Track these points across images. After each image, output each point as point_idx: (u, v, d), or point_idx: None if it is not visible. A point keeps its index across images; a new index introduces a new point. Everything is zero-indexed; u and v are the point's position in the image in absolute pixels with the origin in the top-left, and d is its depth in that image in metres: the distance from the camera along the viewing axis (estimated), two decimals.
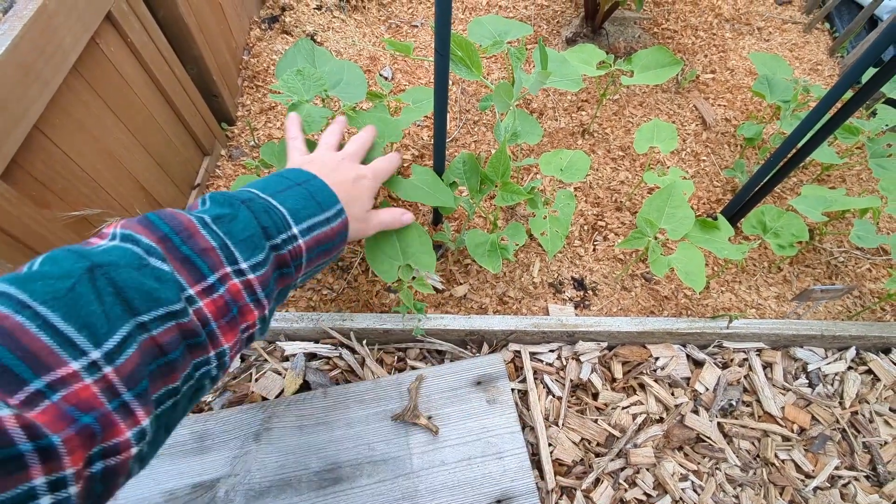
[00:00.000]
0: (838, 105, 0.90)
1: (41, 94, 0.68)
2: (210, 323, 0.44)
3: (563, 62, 1.15)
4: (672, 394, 0.94)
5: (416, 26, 1.60)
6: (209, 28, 1.17)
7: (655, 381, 0.94)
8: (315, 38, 1.42)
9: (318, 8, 1.49)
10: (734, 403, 0.94)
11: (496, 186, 0.93)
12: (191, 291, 0.43)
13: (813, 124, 0.95)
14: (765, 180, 1.10)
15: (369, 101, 1.04)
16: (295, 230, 0.55)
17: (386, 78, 1.42)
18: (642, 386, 0.94)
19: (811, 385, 0.97)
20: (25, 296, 0.33)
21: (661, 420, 0.91)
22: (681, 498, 0.83)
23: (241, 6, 1.37)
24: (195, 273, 0.44)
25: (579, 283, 1.10)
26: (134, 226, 0.44)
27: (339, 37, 1.45)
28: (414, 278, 0.86)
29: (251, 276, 0.48)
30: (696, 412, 0.92)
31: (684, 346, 0.99)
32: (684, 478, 0.85)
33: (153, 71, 0.95)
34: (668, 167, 1.12)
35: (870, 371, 1.00)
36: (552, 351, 0.96)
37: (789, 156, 1.04)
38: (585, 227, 1.22)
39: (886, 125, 1.13)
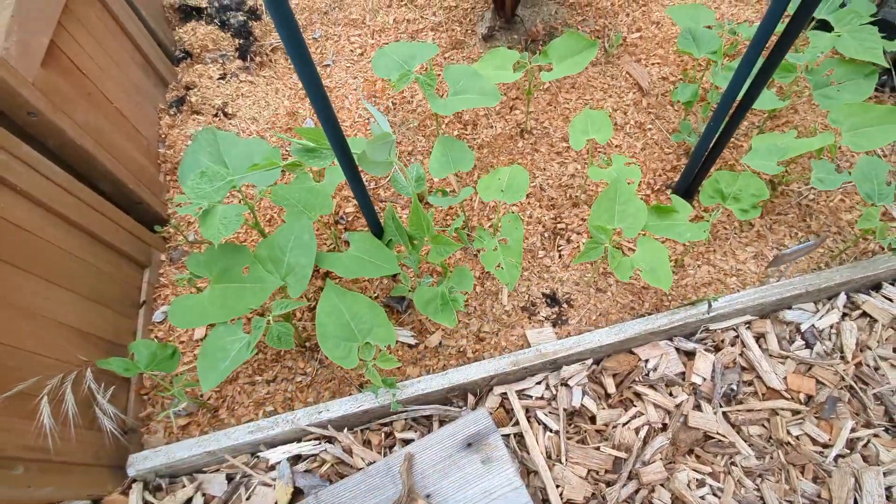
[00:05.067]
0: (774, 39, 0.85)
1: None
2: None
3: (475, 77, 1.09)
4: (670, 394, 0.90)
5: (329, 65, 1.53)
6: (111, 138, 1.11)
7: (650, 386, 0.90)
8: (225, 110, 1.36)
9: (222, 77, 1.42)
10: (735, 387, 0.90)
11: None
12: None
13: (747, 73, 0.89)
14: (712, 142, 1.05)
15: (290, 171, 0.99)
16: None
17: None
18: (638, 395, 0.90)
19: (808, 346, 0.93)
20: None
21: (664, 427, 0.87)
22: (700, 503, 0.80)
23: (142, 100, 1.30)
24: None
25: (552, 299, 1.06)
26: None
27: (251, 101, 1.39)
28: (376, 357, 0.82)
29: None
30: (698, 408, 0.89)
31: (671, 339, 0.95)
32: (701, 483, 0.82)
33: (54, 207, 0.90)
34: (610, 155, 1.07)
35: (864, 314, 0.96)
36: (539, 383, 0.92)
37: (731, 112, 0.99)
38: (546, 235, 1.17)
39: (822, 52, 1.07)
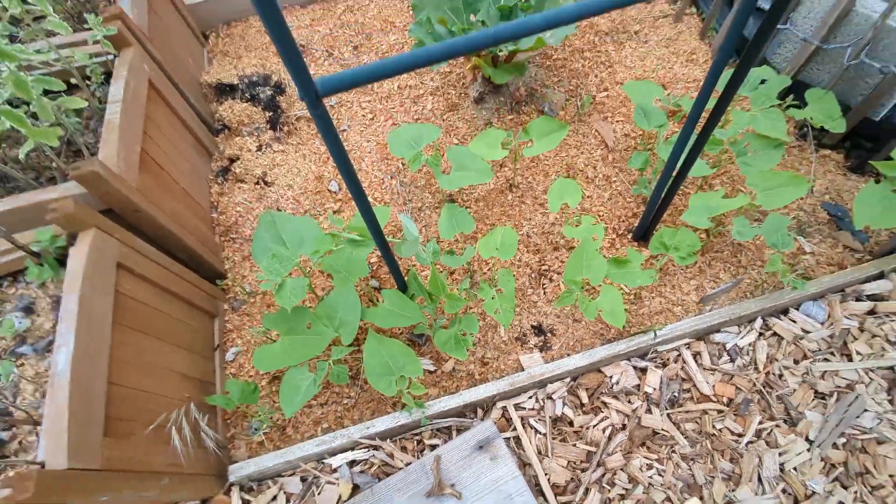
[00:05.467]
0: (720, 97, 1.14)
1: (102, 371, 0.92)
2: None
3: (472, 157, 1.38)
4: (628, 401, 1.21)
5: (345, 130, 1.81)
6: (183, 215, 1.40)
7: (613, 396, 1.21)
8: (265, 179, 1.64)
9: (259, 149, 1.70)
10: (677, 394, 1.21)
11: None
12: None
13: (681, 148, 1.18)
14: (660, 200, 1.34)
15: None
16: None
17: (333, 192, 1.65)
18: (605, 404, 1.20)
19: (732, 360, 1.24)
20: None
21: (623, 427, 1.18)
22: (650, 483, 1.10)
23: (196, 175, 1.58)
24: None
25: (539, 329, 1.35)
26: None
27: (285, 170, 1.67)
28: (409, 386, 1.12)
29: None
30: (649, 411, 1.19)
31: (629, 360, 1.25)
32: (650, 467, 1.12)
33: (159, 282, 1.18)
34: (581, 216, 1.36)
35: (775, 333, 1.26)
36: (530, 398, 1.22)
37: (673, 176, 1.28)
38: (533, 275, 1.46)
39: (742, 129, 1.36)
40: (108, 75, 1.37)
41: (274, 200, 1.61)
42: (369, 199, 1.60)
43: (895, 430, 1.10)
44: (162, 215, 1.26)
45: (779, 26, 1.57)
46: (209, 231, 1.54)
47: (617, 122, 1.73)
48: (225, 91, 1.81)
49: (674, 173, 1.26)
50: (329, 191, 1.64)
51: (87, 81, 1.37)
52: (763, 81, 1.44)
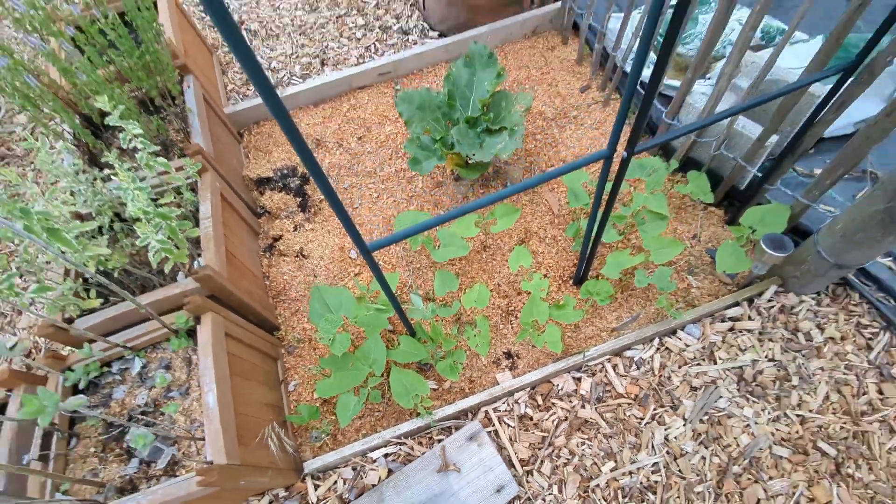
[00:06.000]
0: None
1: (230, 404, 1.47)
2: None
3: (455, 237, 1.95)
4: (569, 401, 1.79)
5: (357, 206, 2.38)
6: (250, 289, 1.95)
7: (559, 398, 1.79)
8: (303, 253, 2.20)
9: (295, 229, 2.26)
10: (601, 395, 1.79)
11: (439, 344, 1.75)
12: None
13: (593, 222, 1.77)
14: (587, 256, 1.93)
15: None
16: None
17: (353, 259, 2.21)
18: (554, 404, 1.78)
19: (638, 368, 1.82)
20: None
21: (566, 418, 1.75)
22: (582, 454, 1.68)
23: (251, 253, 2.13)
24: None
25: (508, 354, 1.93)
26: None
27: (317, 245, 2.23)
28: (422, 401, 1.68)
29: None
30: (583, 407, 1.77)
31: (569, 372, 1.84)
32: (583, 443, 1.70)
33: (245, 340, 1.74)
34: (534, 272, 1.94)
35: (667, 348, 1.85)
36: (503, 403, 1.79)
37: (592, 240, 1.87)
38: (503, 315, 2.04)
39: (640, 206, 1.96)
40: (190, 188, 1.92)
41: (311, 269, 2.17)
42: (381, 263, 2.17)
43: (739, 409, 1.70)
44: (240, 292, 1.82)
45: (671, 121, 2.18)
46: (265, 296, 2.10)
47: (561, 192, 2.32)
48: (263, 182, 2.37)
49: (592, 238, 1.85)
50: (350, 258, 2.21)
51: (179, 195, 1.92)
52: (654, 171, 2.04)
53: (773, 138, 1.83)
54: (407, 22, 3.15)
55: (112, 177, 1.57)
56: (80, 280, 1.70)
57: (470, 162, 2.12)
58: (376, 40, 3.08)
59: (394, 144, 2.52)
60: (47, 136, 1.89)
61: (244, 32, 3.22)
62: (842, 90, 1.52)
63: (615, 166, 2.30)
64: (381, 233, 2.26)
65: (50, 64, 1.95)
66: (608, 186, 1.50)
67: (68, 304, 1.56)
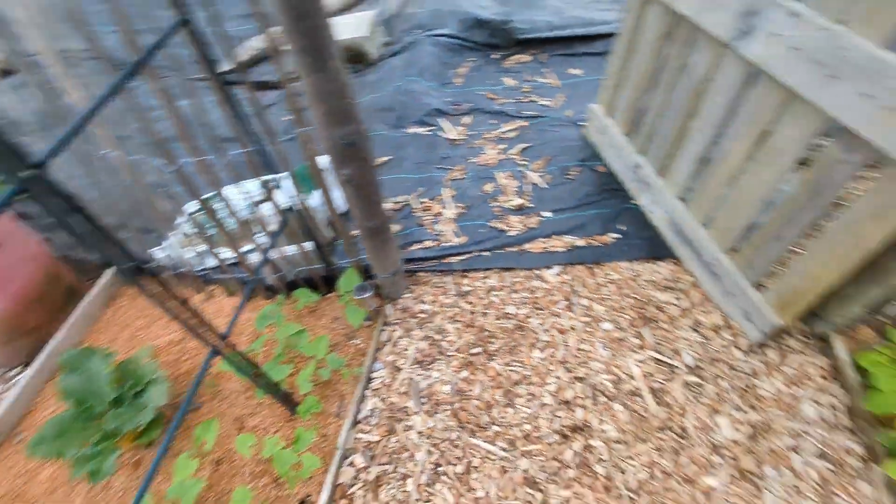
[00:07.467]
0: None
1: None
2: None
3: (182, 485, 2.11)
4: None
5: None
6: None
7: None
8: None
9: None
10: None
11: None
12: None
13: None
14: (280, 397, 2.44)
15: None
16: None
17: None
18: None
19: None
20: None
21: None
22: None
23: None
24: None
25: (303, 502, 2.25)
26: None
27: None
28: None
29: None
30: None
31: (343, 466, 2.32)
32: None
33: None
34: (265, 438, 2.30)
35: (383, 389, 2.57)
36: None
37: (270, 390, 2.38)
38: (272, 485, 2.32)
39: (284, 338, 2.61)
40: None
41: None
42: None
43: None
44: None
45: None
46: None
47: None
48: None
49: (267, 390, 2.37)
50: None
51: None
52: (274, 314, 2.72)
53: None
54: None
55: None
56: None
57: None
58: None
59: None
60: None
61: None
62: None
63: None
64: None
65: None
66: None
67: None
